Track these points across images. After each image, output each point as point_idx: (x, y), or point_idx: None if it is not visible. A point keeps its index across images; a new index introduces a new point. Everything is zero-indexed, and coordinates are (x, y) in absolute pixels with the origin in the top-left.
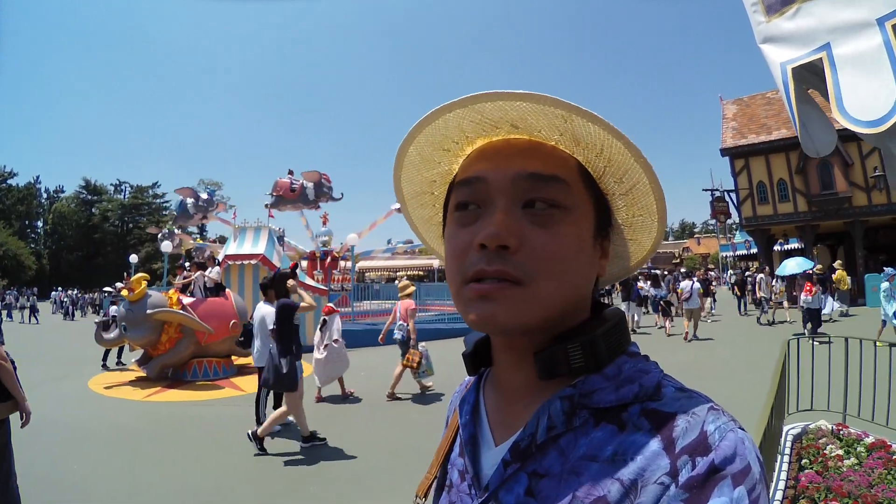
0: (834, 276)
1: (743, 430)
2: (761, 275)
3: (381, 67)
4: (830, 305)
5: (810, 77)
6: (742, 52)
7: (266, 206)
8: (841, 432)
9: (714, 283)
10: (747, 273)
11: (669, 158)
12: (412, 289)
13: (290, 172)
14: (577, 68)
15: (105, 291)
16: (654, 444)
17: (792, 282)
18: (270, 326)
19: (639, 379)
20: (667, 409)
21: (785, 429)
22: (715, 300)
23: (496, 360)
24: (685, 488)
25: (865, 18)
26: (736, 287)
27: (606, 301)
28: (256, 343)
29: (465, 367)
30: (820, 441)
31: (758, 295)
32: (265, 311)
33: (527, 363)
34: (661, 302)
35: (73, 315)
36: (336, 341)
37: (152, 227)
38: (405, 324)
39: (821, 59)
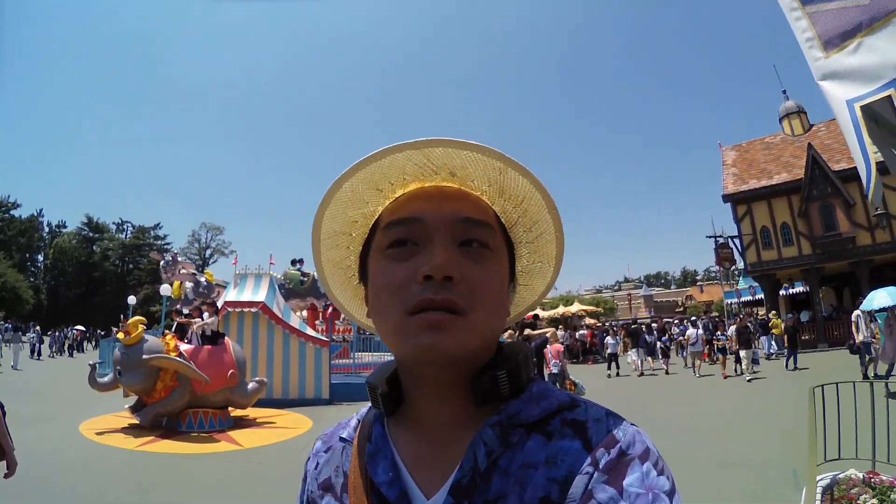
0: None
1: (634, 425)
2: (857, 311)
3: (385, 114)
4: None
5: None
6: (739, 98)
7: (269, 273)
8: (872, 480)
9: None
10: (750, 319)
11: (669, 207)
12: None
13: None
14: (572, 119)
15: (75, 329)
16: (577, 446)
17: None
18: None
19: (549, 396)
20: (581, 418)
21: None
22: (757, 355)
23: (415, 397)
24: (604, 471)
25: None
26: (733, 339)
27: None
28: None
29: (383, 408)
30: (852, 491)
31: (856, 339)
32: None
33: (454, 395)
34: (662, 346)
35: (40, 353)
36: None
37: (155, 252)
38: (559, 362)
39: (890, 96)
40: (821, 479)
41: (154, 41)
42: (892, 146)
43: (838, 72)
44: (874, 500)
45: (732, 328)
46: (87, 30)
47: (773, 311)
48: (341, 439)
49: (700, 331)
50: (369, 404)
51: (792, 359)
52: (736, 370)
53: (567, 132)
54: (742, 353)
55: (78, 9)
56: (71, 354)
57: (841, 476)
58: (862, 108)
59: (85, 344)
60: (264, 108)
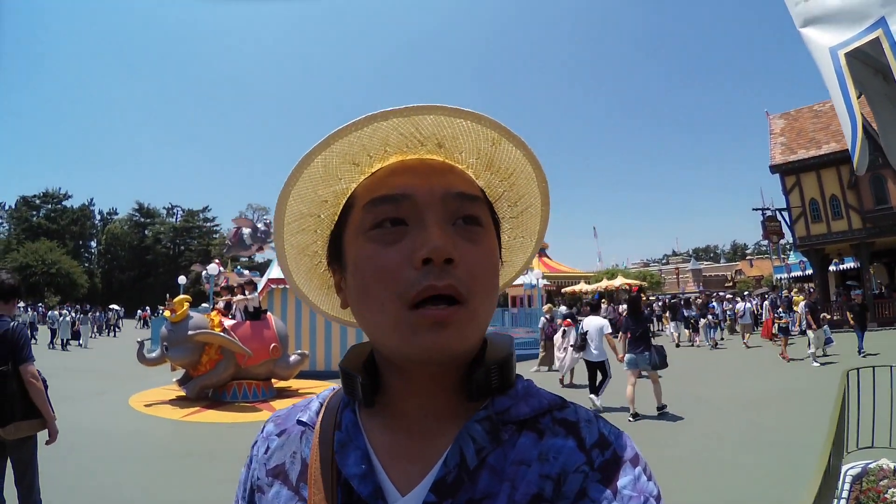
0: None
1: (621, 430)
2: None
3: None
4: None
5: (861, 70)
6: (788, 64)
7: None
8: None
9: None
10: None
11: (717, 179)
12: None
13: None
14: (617, 92)
15: (111, 309)
16: (571, 444)
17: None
18: (608, 331)
19: (537, 395)
20: (571, 418)
21: (844, 468)
22: (830, 336)
23: (395, 387)
24: (599, 470)
25: None
26: (804, 315)
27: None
28: (594, 344)
29: (363, 399)
30: (882, 483)
31: None
32: (599, 322)
33: (440, 388)
34: (692, 321)
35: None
36: (572, 346)
37: (197, 264)
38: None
39: (877, 38)
40: (851, 468)
41: (198, 26)
42: (881, 92)
43: (820, 16)
44: None
45: (803, 304)
46: (131, 20)
47: (797, 288)
48: (300, 422)
49: (749, 305)
50: (332, 387)
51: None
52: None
53: (616, 109)
54: (810, 334)
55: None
56: (113, 334)
57: (872, 465)
58: (847, 55)
59: (120, 323)
60: (310, 87)
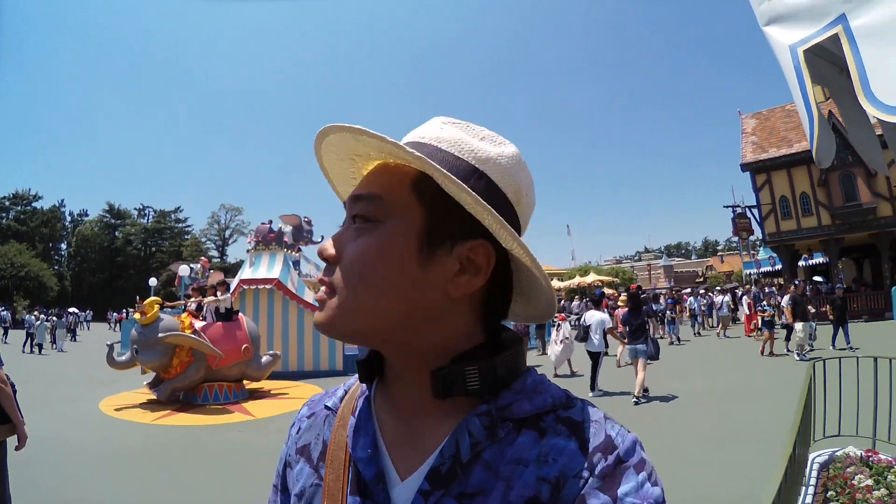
0: None
1: (632, 433)
2: None
3: (412, 104)
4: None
5: (825, 67)
6: (762, 65)
7: (247, 251)
8: (871, 459)
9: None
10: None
11: (690, 177)
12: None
13: (270, 222)
14: (592, 89)
15: (71, 313)
16: (572, 446)
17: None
18: (608, 326)
19: (546, 391)
20: (577, 418)
21: (811, 456)
22: (815, 329)
23: (391, 375)
24: (599, 477)
25: None
26: (788, 310)
27: None
28: (596, 336)
29: (360, 376)
30: (848, 470)
31: None
32: (601, 316)
33: (421, 383)
34: (659, 314)
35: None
36: (566, 339)
37: (175, 263)
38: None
39: (836, 34)
40: (818, 456)
41: (168, 29)
42: (842, 87)
43: (783, 14)
44: (869, 481)
45: (787, 297)
46: (99, 22)
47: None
48: (326, 407)
49: (727, 298)
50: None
51: (840, 335)
52: (788, 348)
53: (590, 106)
54: (798, 327)
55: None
56: (73, 338)
57: (839, 453)
58: (807, 52)
59: (86, 326)
60: (285, 88)
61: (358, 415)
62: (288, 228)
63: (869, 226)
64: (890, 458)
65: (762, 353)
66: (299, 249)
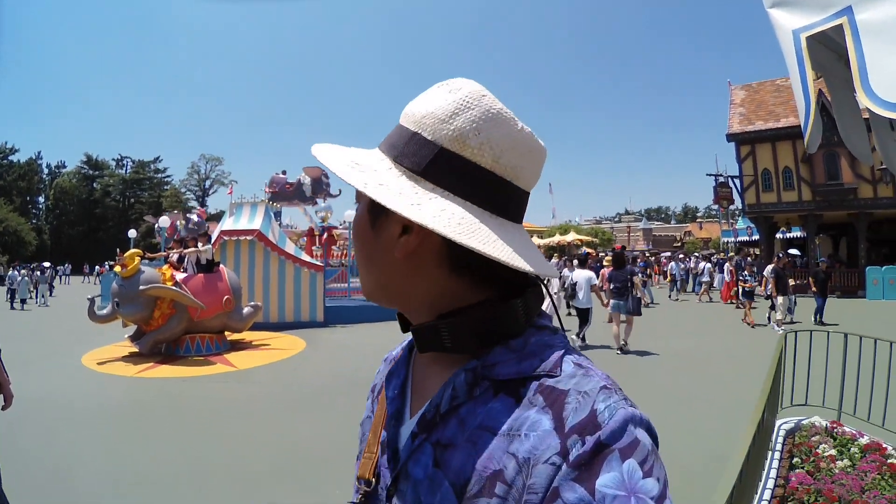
0: None
1: (634, 407)
2: None
3: (384, 59)
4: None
5: (824, 54)
6: (753, 37)
7: (265, 201)
8: (835, 430)
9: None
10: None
11: (675, 142)
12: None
13: (284, 173)
14: (583, 57)
15: (44, 267)
16: (546, 423)
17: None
18: (594, 283)
19: (541, 353)
20: (561, 387)
21: (778, 423)
22: (795, 302)
23: None
24: (574, 466)
25: None
26: (770, 281)
27: None
28: (582, 293)
29: (400, 325)
30: (813, 439)
31: None
32: (588, 274)
33: None
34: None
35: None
36: (556, 293)
37: (150, 216)
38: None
39: (840, 25)
40: (785, 423)
41: None
42: (841, 76)
43: None
44: (833, 451)
45: (769, 268)
46: None
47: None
48: (393, 357)
49: (708, 265)
50: None
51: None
52: (769, 318)
53: (577, 67)
54: (779, 300)
55: None
56: (51, 293)
57: (805, 422)
58: (809, 38)
59: (64, 280)
60: (264, 38)
61: (397, 361)
62: (307, 180)
63: (849, 205)
64: (854, 431)
65: (749, 323)
66: (315, 202)
